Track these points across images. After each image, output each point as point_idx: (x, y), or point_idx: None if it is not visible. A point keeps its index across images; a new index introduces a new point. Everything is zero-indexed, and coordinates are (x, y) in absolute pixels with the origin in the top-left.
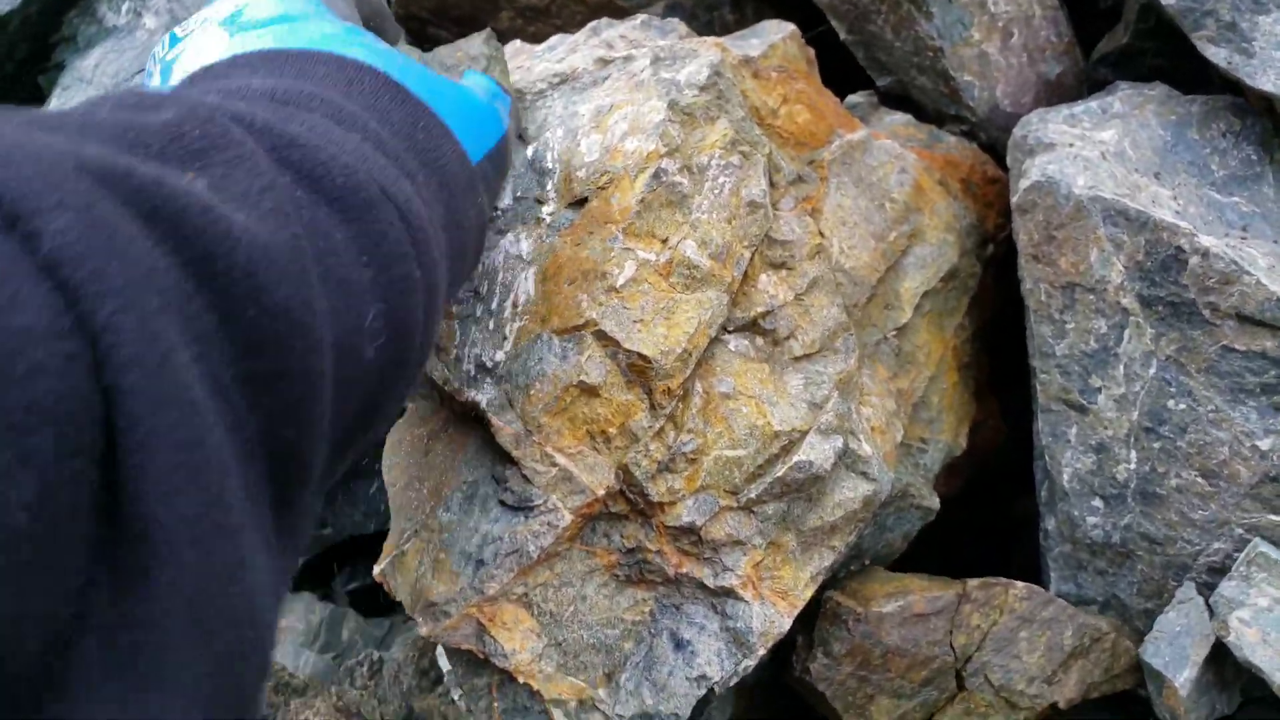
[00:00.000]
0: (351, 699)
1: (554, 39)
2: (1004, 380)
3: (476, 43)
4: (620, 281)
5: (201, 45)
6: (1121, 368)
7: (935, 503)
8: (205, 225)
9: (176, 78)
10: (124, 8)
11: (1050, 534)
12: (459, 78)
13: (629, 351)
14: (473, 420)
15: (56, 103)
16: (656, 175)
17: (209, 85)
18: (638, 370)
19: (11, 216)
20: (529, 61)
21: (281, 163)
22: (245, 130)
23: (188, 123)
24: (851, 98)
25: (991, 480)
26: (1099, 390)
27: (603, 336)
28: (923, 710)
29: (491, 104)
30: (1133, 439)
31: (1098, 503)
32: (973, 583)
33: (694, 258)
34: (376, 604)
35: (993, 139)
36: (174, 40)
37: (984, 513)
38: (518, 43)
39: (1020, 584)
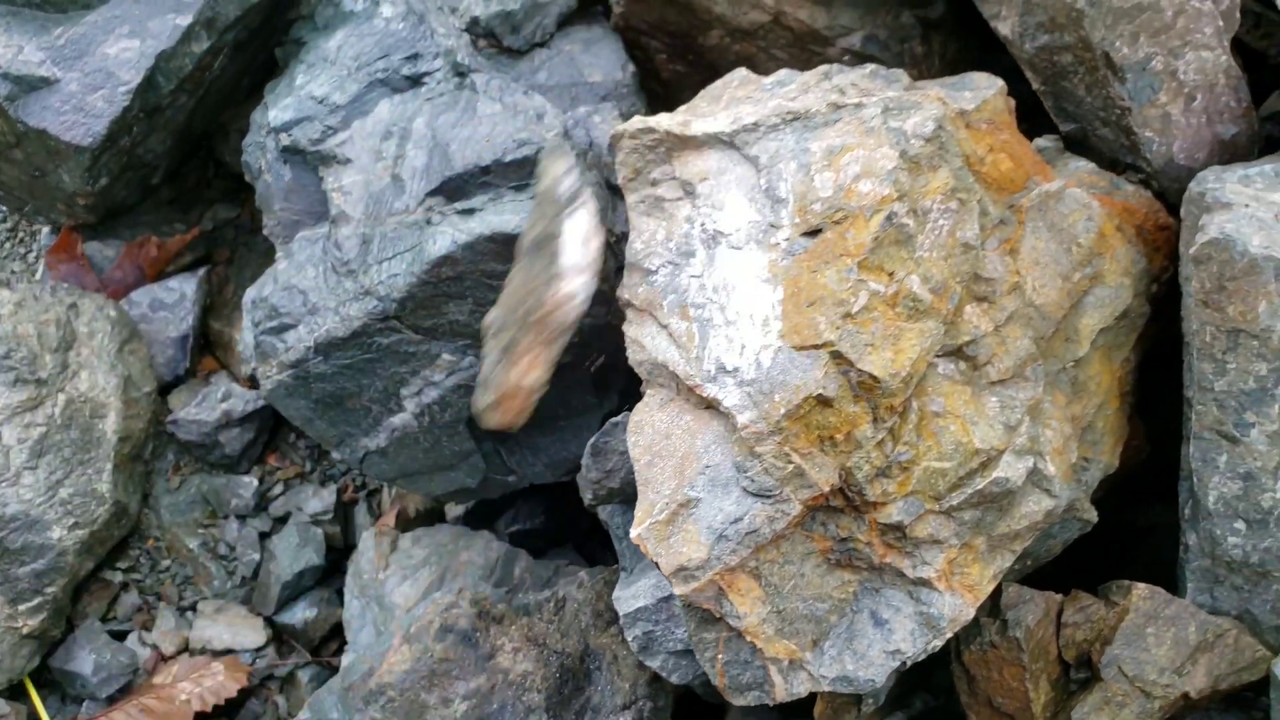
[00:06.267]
0: (539, 630)
1: (783, 74)
2: (1152, 403)
3: None
4: (855, 309)
5: None
6: (1277, 407)
7: (1094, 515)
8: None
9: None
10: None
11: (1190, 549)
12: None
13: (861, 371)
14: (707, 410)
15: (303, 78)
16: (889, 217)
17: None
18: (866, 387)
19: None
20: (759, 93)
21: None
22: None
23: None
24: (1039, 141)
25: (1121, 492)
26: (1253, 425)
27: (839, 356)
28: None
29: None
30: None
31: (1240, 525)
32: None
33: (918, 291)
34: (535, 546)
35: (1164, 188)
36: None
37: (1111, 520)
38: (744, 71)
39: (1142, 584)
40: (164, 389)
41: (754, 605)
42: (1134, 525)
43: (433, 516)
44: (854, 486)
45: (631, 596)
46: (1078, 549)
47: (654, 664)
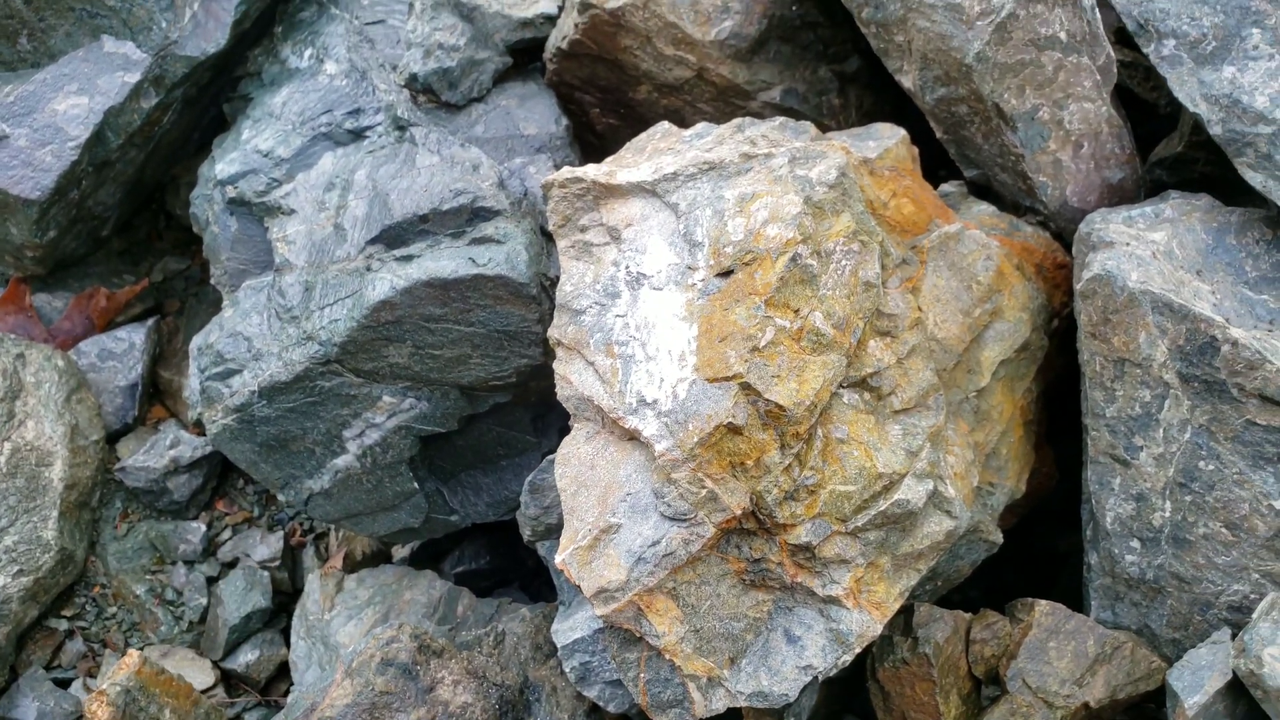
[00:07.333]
0: (479, 663)
1: (700, 126)
2: (1059, 433)
3: None
4: (763, 343)
5: None
6: (1161, 431)
7: (999, 538)
8: None
9: None
10: (306, 53)
11: (1093, 568)
12: None
13: (768, 400)
14: (629, 442)
15: (249, 133)
16: (794, 258)
17: None
18: (773, 415)
19: None
20: (679, 145)
21: None
22: None
23: None
24: (944, 187)
25: (1042, 519)
26: (1141, 448)
27: (747, 387)
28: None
29: None
30: (1168, 491)
31: (1135, 544)
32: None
33: (821, 327)
34: (481, 586)
35: (1061, 229)
36: None
37: (1033, 546)
38: (666, 124)
39: (1044, 601)
40: (113, 437)
41: (672, 624)
42: (1056, 550)
43: (379, 558)
44: (764, 509)
45: (569, 628)
46: (1005, 574)
47: (591, 694)
